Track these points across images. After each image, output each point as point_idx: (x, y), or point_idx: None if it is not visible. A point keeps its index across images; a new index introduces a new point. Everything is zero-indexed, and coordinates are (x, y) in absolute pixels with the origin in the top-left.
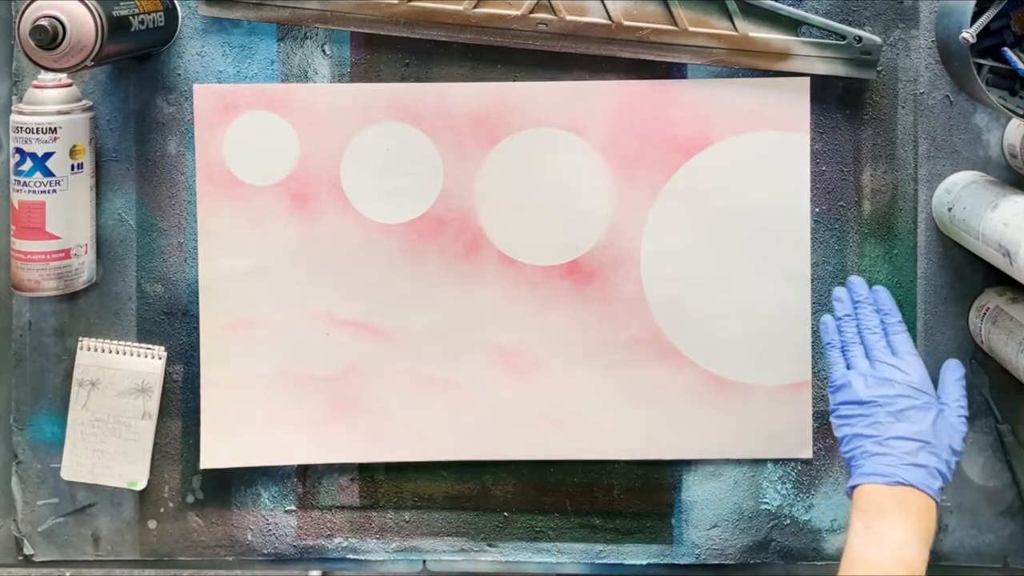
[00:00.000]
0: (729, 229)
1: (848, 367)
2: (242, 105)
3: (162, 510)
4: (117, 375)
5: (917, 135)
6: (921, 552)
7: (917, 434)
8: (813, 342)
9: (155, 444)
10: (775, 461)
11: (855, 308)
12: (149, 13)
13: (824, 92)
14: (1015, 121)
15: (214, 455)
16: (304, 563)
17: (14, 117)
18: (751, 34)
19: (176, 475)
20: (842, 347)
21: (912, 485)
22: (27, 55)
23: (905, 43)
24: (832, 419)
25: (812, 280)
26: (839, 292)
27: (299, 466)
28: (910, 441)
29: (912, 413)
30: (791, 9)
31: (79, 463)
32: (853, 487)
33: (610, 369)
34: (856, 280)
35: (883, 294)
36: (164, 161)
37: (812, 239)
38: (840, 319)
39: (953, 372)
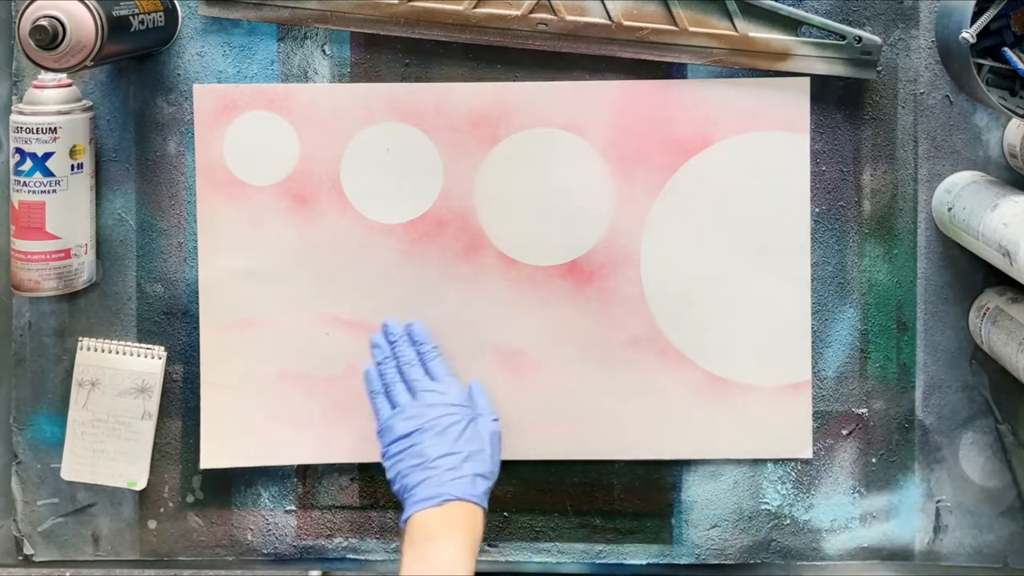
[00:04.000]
0: (729, 229)
1: (393, 407)
2: (242, 105)
3: (162, 510)
4: (117, 375)
5: (917, 135)
6: (469, 562)
7: (459, 446)
8: (813, 342)
9: (155, 444)
10: (775, 461)
11: (392, 349)
12: (149, 13)
13: (824, 92)
14: (1015, 121)
15: (214, 455)
16: (304, 563)
17: (14, 117)
18: (751, 34)
19: (176, 475)
20: (385, 390)
21: (458, 498)
22: (27, 55)
23: (905, 43)
24: (384, 463)
25: (812, 280)
26: (376, 339)
27: (299, 466)
28: (454, 455)
29: (452, 429)
30: (791, 9)
31: (79, 463)
32: (405, 520)
33: (610, 369)
34: (389, 322)
35: (416, 326)
36: (164, 161)
37: (812, 239)
38: (380, 363)
39: (477, 387)
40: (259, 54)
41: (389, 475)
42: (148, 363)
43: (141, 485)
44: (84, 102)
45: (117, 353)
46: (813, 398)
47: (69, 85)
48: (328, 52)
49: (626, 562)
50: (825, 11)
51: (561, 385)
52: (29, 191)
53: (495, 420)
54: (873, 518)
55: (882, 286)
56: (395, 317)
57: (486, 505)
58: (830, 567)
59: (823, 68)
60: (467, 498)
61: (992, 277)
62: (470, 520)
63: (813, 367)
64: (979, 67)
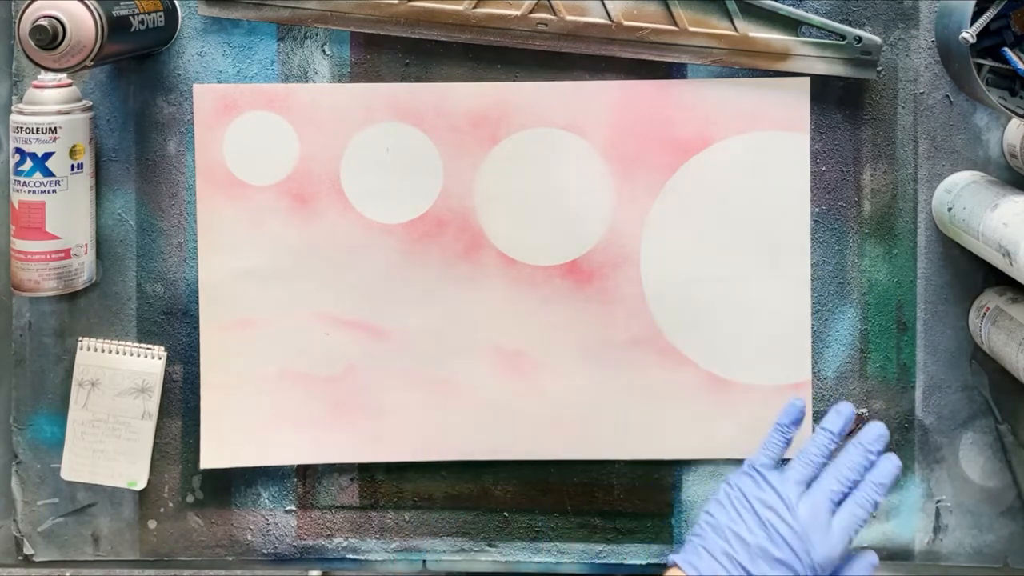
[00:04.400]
0: (729, 229)
1: (780, 467)
2: (242, 105)
3: (162, 510)
4: (117, 375)
5: (917, 135)
6: None
7: None
8: (813, 342)
9: (155, 444)
10: None
11: (845, 436)
12: (149, 13)
13: (824, 92)
14: (1015, 121)
15: (214, 455)
16: (304, 563)
17: (14, 117)
18: (751, 34)
19: (176, 475)
20: (787, 442)
21: None
22: (27, 55)
23: (905, 43)
24: (723, 486)
25: (812, 280)
26: (844, 407)
27: (299, 466)
28: None
29: (780, 571)
30: (791, 9)
31: (79, 463)
32: (675, 562)
33: (610, 369)
34: (880, 430)
35: (890, 467)
36: (164, 161)
37: (812, 239)
38: (823, 430)
39: (863, 569)
40: (259, 54)
41: (715, 495)
42: (148, 363)
43: (141, 485)
44: (84, 102)
45: (117, 353)
46: (813, 398)
47: (69, 85)
48: (328, 52)
49: (626, 562)
50: (825, 11)
51: (561, 385)
52: (29, 191)
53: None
54: (873, 518)
55: (882, 286)
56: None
57: None
58: None
59: (823, 68)
60: None
61: (992, 277)
62: None
63: (813, 367)
64: (979, 67)
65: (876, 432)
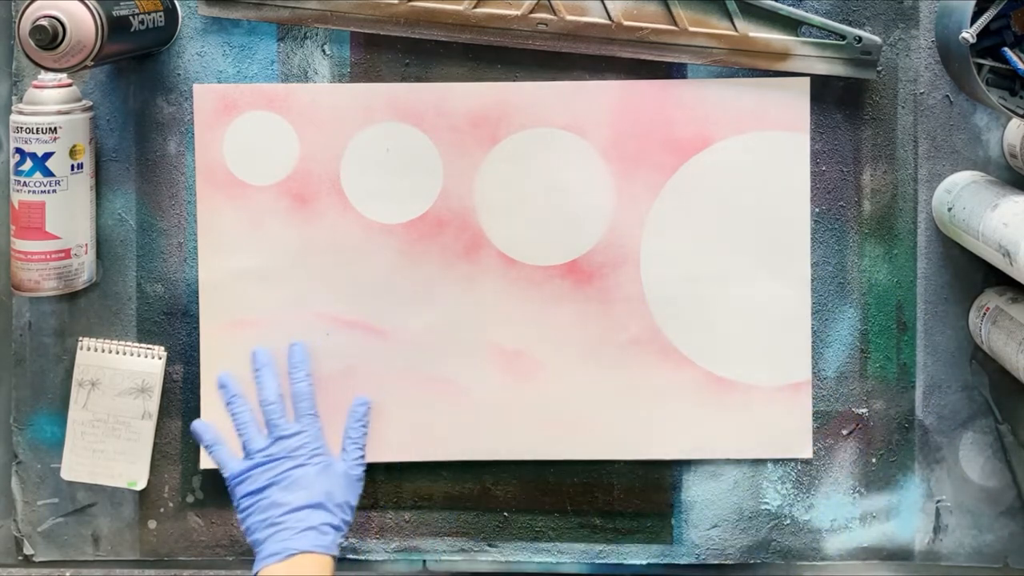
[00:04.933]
0: (729, 229)
1: (245, 451)
2: (242, 105)
3: (162, 510)
4: (117, 375)
5: (917, 135)
6: None
7: (307, 499)
8: (813, 342)
9: (155, 444)
10: (775, 461)
11: (258, 378)
12: (149, 13)
13: (824, 92)
14: (1015, 121)
15: None
16: None
17: (14, 117)
18: (751, 34)
19: (176, 475)
20: (238, 429)
21: (303, 551)
22: (27, 55)
23: (905, 43)
24: (239, 515)
25: (812, 280)
26: (221, 378)
27: None
28: (300, 510)
29: (302, 480)
30: (791, 9)
31: (79, 463)
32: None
33: (610, 369)
34: (259, 351)
35: (296, 349)
36: (164, 161)
37: (812, 239)
38: (229, 403)
39: (351, 417)
40: (259, 54)
41: (242, 527)
42: (148, 363)
43: (141, 485)
44: (84, 102)
45: (117, 353)
46: (813, 398)
47: (69, 85)
48: (328, 52)
49: (626, 562)
50: (825, 11)
51: (561, 385)
52: (29, 191)
53: (357, 461)
54: (873, 518)
55: (882, 286)
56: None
57: (336, 552)
58: (830, 567)
59: (823, 68)
60: (313, 550)
61: (992, 277)
62: (319, 567)
63: (813, 367)
64: (979, 67)
65: (259, 354)
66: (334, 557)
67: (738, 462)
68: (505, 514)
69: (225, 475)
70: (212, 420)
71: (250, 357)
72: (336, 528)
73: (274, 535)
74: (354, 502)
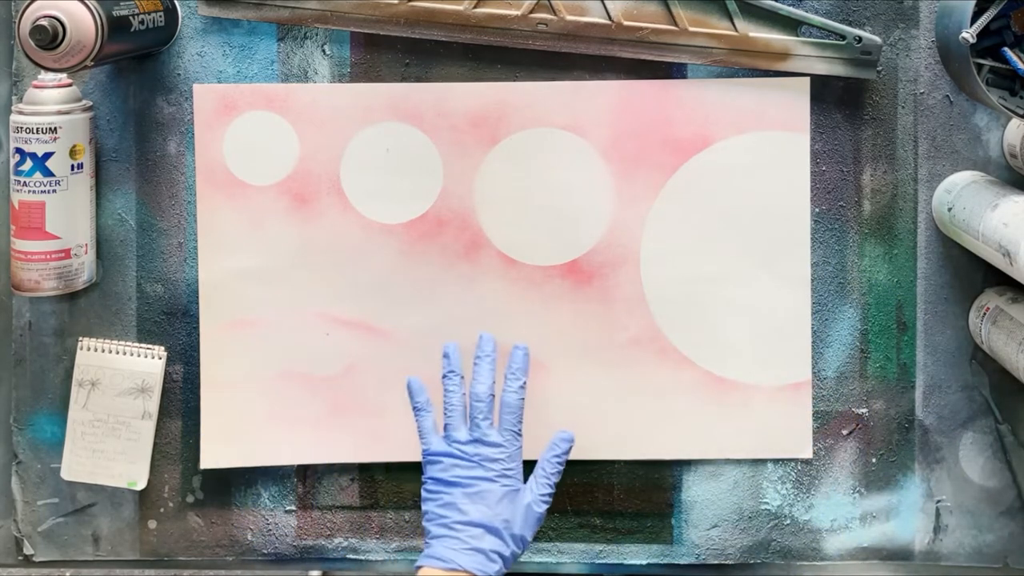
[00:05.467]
0: (729, 229)
1: (446, 433)
2: (242, 105)
3: (162, 510)
4: (117, 375)
5: (917, 135)
6: None
7: (485, 519)
8: (813, 342)
9: (155, 444)
10: (775, 461)
11: (479, 362)
12: (149, 13)
13: (824, 92)
14: (1015, 121)
15: (214, 455)
16: (304, 563)
17: (14, 117)
18: (751, 34)
19: (176, 475)
20: (447, 408)
21: (469, 572)
22: (27, 55)
23: (905, 43)
24: (423, 491)
25: (812, 280)
26: (447, 347)
27: (299, 466)
28: (477, 527)
29: (487, 497)
30: (791, 9)
31: (79, 463)
32: (418, 567)
33: (610, 369)
34: (486, 336)
35: (519, 354)
36: (164, 161)
37: (812, 239)
38: (446, 376)
39: (552, 449)
40: (259, 54)
41: (422, 503)
42: (148, 363)
43: (141, 485)
44: (84, 102)
45: (117, 353)
46: (813, 398)
47: (69, 85)
48: (328, 52)
49: (626, 562)
50: (825, 11)
51: (561, 385)
52: (29, 191)
53: (543, 497)
54: (873, 518)
55: (882, 286)
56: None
57: None
58: (830, 567)
59: (823, 68)
60: (476, 573)
61: (992, 277)
62: None
63: (813, 367)
64: (979, 67)
65: (485, 338)
66: None
67: (738, 462)
68: None
69: (422, 446)
70: (214, 417)
71: (477, 339)
72: (504, 559)
73: (445, 539)
74: (529, 537)
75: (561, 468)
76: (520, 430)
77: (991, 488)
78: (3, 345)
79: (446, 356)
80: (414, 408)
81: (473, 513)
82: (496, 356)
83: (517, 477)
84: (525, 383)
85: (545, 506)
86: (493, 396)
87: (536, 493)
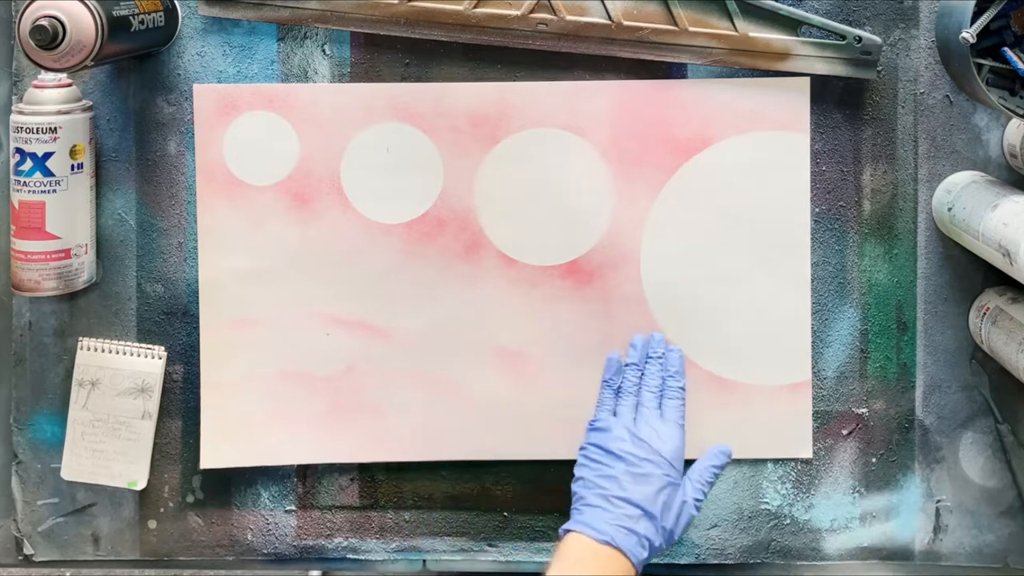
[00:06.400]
0: (729, 229)
1: (614, 413)
2: (242, 105)
3: (162, 510)
4: (117, 375)
5: (917, 135)
6: None
7: (644, 502)
8: (813, 342)
9: (155, 444)
10: (775, 461)
11: (645, 362)
12: (149, 13)
13: (824, 92)
14: (1015, 121)
15: (214, 455)
16: (304, 563)
17: (14, 117)
18: (751, 34)
19: (176, 475)
20: (617, 391)
21: (620, 549)
22: (27, 55)
23: (905, 43)
24: (579, 453)
25: (812, 280)
26: (637, 339)
27: (299, 466)
28: (635, 507)
29: (650, 480)
30: (791, 9)
31: (79, 463)
32: (567, 530)
33: None
34: (658, 336)
35: (675, 356)
36: (164, 161)
37: (812, 239)
38: (628, 366)
39: (711, 458)
40: (259, 54)
41: (575, 470)
42: (148, 363)
43: (141, 485)
44: (84, 102)
45: (117, 353)
46: (813, 398)
47: (69, 85)
48: (328, 52)
49: None
50: (825, 11)
51: (561, 385)
52: (29, 191)
53: (697, 501)
54: (873, 518)
55: (882, 286)
56: (644, 336)
57: (639, 571)
58: (830, 567)
59: (823, 68)
60: (628, 555)
61: (992, 277)
62: (621, 572)
63: (813, 367)
64: (979, 67)
65: (657, 339)
66: (637, 573)
67: (738, 462)
68: (505, 514)
69: (594, 417)
70: (214, 417)
71: (647, 339)
72: (652, 548)
73: (600, 511)
74: (676, 536)
75: (715, 478)
76: (684, 423)
77: (991, 488)
78: (3, 345)
79: (633, 346)
80: (604, 381)
81: (634, 493)
82: (665, 356)
83: (680, 472)
84: (684, 386)
85: (696, 510)
86: (662, 395)
87: (690, 495)
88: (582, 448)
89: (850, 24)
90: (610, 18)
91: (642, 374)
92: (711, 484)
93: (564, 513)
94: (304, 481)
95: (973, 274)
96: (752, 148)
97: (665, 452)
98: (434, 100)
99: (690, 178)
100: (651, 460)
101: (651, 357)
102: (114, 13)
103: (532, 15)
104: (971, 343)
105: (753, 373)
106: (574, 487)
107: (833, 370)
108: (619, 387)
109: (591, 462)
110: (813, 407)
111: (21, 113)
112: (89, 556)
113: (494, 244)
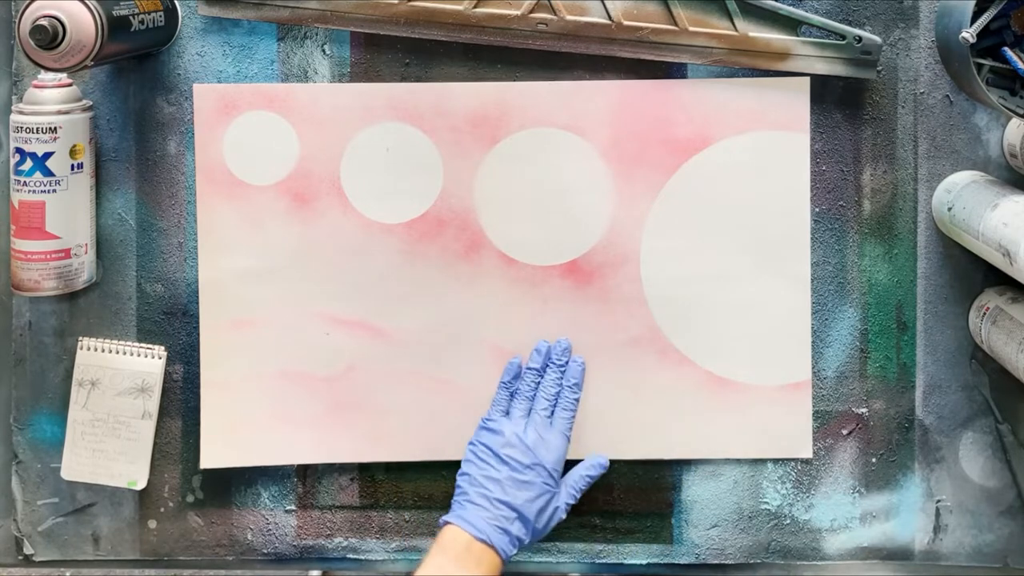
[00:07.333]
0: (729, 229)
1: (507, 413)
2: (242, 105)
3: (162, 510)
4: (117, 375)
5: (917, 135)
6: None
7: (522, 507)
8: (813, 342)
9: (155, 444)
10: (775, 461)
11: (546, 367)
12: (149, 13)
13: (824, 92)
14: (1015, 121)
15: (214, 455)
16: (304, 563)
17: (14, 117)
18: (751, 34)
19: (176, 475)
20: (512, 394)
21: (494, 547)
22: (27, 55)
23: (905, 43)
24: (468, 448)
25: (812, 280)
26: (542, 344)
27: (299, 466)
28: (513, 510)
29: (531, 488)
30: (791, 9)
31: (79, 463)
32: (447, 522)
33: (610, 369)
34: (564, 344)
35: (576, 368)
36: (164, 161)
37: (812, 239)
38: (528, 370)
39: (588, 468)
40: (259, 54)
41: (463, 464)
42: (148, 363)
43: (141, 485)
44: (84, 102)
45: (117, 353)
46: (813, 398)
47: (69, 85)
48: (328, 52)
49: (626, 562)
50: (825, 11)
51: None
52: (29, 191)
53: (568, 505)
54: (873, 518)
55: (882, 286)
56: (545, 342)
57: (506, 563)
58: (830, 567)
59: (823, 68)
60: (500, 552)
61: (992, 277)
62: (493, 567)
63: (813, 367)
64: (979, 67)
65: (562, 346)
66: (504, 562)
67: (738, 462)
68: None
69: (488, 415)
70: (214, 417)
71: (553, 346)
72: (519, 544)
73: (481, 509)
74: (542, 535)
75: (588, 486)
76: (570, 435)
77: (991, 488)
78: (3, 345)
79: (537, 351)
80: (501, 383)
81: (515, 498)
82: (567, 365)
83: (559, 480)
84: (579, 398)
85: (566, 514)
86: (556, 403)
87: (564, 500)
88: (471, 444)
89: (850, 24)
90: (610, 18)
91: (540, 379)
92: (583, 491)
93: None
94: (304, 481)
95: (973, 274)
96: (752, 148)
97: (548, 462)
98: (434, 100)
99: (690, 178)
100: (533, 468)
101: (553, 364)
102: (114, 13)
103: (532, 15)
104: (971, 343)
105: (753, 373)
106: (459, 480)
107: (833, 370)
108: (516, 390)
109: (479, 460)
110: (813, 407)
111: (21, 113)
112: (89, 556)
113: (494, 244)
